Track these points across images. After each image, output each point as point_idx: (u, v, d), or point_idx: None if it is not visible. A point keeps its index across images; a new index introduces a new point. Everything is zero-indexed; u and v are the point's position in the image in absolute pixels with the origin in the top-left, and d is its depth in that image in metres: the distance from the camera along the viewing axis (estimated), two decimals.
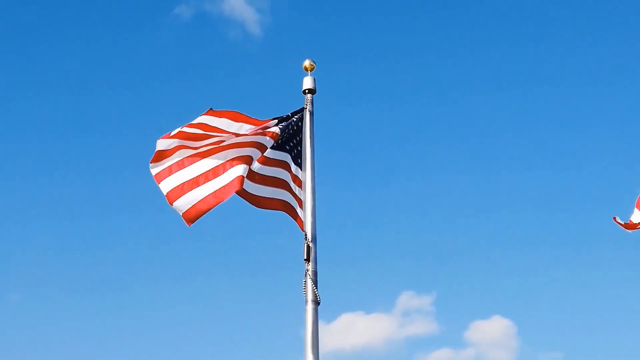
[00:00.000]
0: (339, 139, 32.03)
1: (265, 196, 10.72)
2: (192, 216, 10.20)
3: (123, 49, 35.50)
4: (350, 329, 31.77)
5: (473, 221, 34.20)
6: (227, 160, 10.27)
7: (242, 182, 10.13)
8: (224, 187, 10.22)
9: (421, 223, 34.28)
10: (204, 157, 10.40)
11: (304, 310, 10.06)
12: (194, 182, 10.26)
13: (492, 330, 32.38)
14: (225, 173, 10.22)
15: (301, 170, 10.98)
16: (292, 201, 10.76)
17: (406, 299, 32.85)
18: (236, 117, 10.75)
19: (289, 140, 11.00)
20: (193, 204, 10.16)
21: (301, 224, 10.61)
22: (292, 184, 10.86)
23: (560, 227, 34.04)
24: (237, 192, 10.27)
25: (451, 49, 37.03)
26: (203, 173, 10.31)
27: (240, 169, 10.10)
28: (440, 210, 34.69)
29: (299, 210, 10.71)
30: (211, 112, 10.63)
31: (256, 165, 10.65)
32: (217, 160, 10.36)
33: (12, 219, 32.39)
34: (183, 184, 10.25)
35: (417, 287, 32.89)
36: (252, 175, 10.49)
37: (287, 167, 10.92)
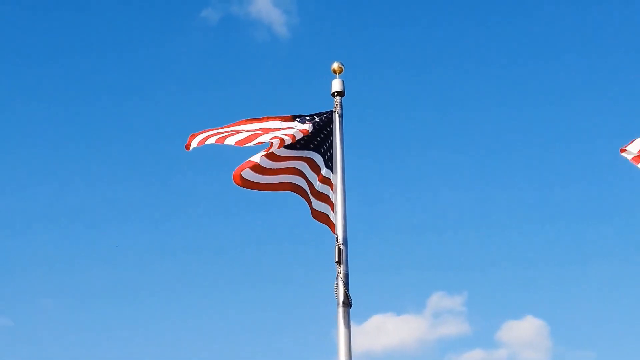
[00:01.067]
0: (368, 141, 31.99)
1: (277, 181, 10.81)
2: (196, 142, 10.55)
3: (150, 53, 35.72)
4: (381, 331, 31.73)
5: (503, 222, 34.04)
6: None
7: (253, 167, 10.43)
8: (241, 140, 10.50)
9: (451, 223, 34.18)
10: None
11: (336, 313, 10.08)
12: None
13: (525, 331, 32.19)
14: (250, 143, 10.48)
15: (332, 173, 11.02)
16: (306, 187, 10.84)
17: (437, 300, 32.74)
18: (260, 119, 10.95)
19: (323, 142, 11.04)
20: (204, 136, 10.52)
21: (333, 226, 10.63)
22: (316, 182, 10.91)
23: (591, 227, 33.80)
24: (255, 187, 10.55)
25: (480, 51, 36.89)
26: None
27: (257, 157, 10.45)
28: (469, 211, 34.56)
29: (331, 214, 10.73)
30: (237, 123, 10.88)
31: (315, 180, 10.89)
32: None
33: (43, 225, 32.71)
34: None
35: (448, 287, 32.77)
36: (272, 171, 10.69)
37: (313, 165, 10.98)
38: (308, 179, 10.85)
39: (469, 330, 31.58)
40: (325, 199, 10.85)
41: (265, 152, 10.51)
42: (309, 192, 10.79)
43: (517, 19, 37.10)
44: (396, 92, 35.88)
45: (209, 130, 10.74)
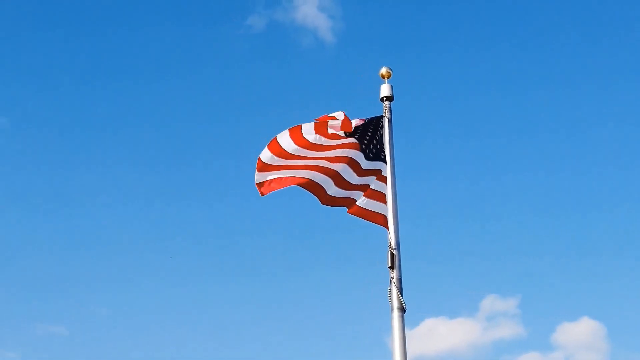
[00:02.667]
0: (418, 144, 31.90)
1: (369, 209, 10.84)
2: (266, 188, 10.54)
3: (197, 62, 36.05)
4: (434, 334, 31.58)
5: (559, 220, 33.68)
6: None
7: (323, 194, 10.47)
8: (306, 179, 10.57)
9: (504, 224, 33.92)
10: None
11: (390, 318, 10.07)
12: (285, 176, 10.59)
13: (581, 333, 31.78)
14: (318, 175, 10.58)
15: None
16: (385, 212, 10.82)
17: (490, 303, 32.50)
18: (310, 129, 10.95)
19: (382, 150, 11.03)
20: (272, 178, 10.51)
21: (386, 224, 10.64)
22: (373, 183, 10.89)
23: None
24: (333, 203, 10.68)
25: (527, 46, 36.58)
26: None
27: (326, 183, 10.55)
28: (523, 210, 34.26)
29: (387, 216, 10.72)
30: (289, 133, 10.88)
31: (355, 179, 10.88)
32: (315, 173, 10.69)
33: (100, 239, 33.17)
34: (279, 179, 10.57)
35: (502, 289, 32.51)
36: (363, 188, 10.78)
37: (378, 174, 10.97)
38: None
39: (524, 332, 31.30)
40: (382, 198, 10.84)
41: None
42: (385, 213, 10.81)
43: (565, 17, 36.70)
44: (445, 97, 35.73)
45: (272, 149, 10.73)
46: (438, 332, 31.67)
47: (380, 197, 10.82)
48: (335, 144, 10.85)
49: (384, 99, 11.46)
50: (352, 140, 10.90)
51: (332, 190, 10.81)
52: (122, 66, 35.74)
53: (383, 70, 11.61)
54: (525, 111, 35.52)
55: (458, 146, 35.57)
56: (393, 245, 10.43)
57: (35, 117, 34.71)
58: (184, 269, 31.75)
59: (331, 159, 10.80)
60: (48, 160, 34.18)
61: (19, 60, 35.17)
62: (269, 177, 10.62)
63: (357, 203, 10.89)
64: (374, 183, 10.91)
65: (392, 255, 10.34)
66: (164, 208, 33.62)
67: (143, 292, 31.41)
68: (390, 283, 10.22)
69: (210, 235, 33.13)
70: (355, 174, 10.90)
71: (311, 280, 31.69)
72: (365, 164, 10.95)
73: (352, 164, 10.87)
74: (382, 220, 10.69)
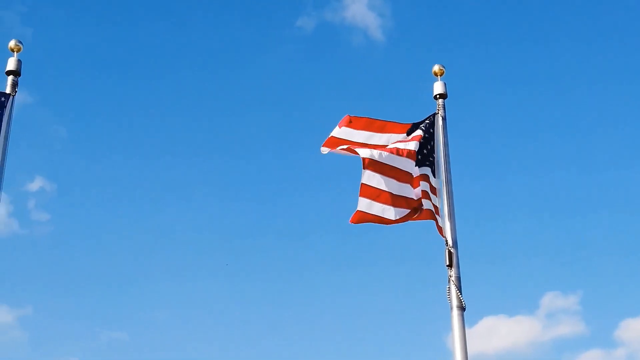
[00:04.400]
0: (472, 142, 31.64)
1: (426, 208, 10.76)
2: (358, 219, 10.47)
3: (248, 64, 36.28)
4: (493, 333, 31.28)
5: (619, 215, 33.11)
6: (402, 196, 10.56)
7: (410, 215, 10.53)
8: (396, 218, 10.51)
9: (563, 220, 33.47)
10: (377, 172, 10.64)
11: (450, 317, 10.02)
12: (385, 198, 10.47)
13: None
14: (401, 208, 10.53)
15: (434, 177, 10.97)
16: (433, 209, 10.76)
17: (550, 300, 32.08)
18: (372, 126, 10.98)
19: (429, 153, 10.98)
20: (368, 212, 10.43)
21: (439, 230, 10.59)
22: (431, 196, 10.82)
23: None
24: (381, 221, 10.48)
25: (584, 40, 36.06)
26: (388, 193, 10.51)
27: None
28: (583, 205, 33.77)
29: (438, 218, 10.69)
30: (349, 122, 10.92)
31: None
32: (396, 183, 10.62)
33: (159, 241, 33.53)
34: (379, 191, 10.43)
35: (562, 286, 32.05)
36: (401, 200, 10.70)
37: (428, 180, 10.91)
38: (431, 198, 10.80)
39: (585, 330, 30.82)
40: (436, 208, 10.79)
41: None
42: (434, 212, 10.75)
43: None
44: (499, 93, 35.40)
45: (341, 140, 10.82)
46: (497, 331, 31.38)
47: (424, 194, 10.76)
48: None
49: (437, 96, 11.42)
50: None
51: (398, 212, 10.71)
52: (174, 66, 36.09)
53: (436, 68, 11.57)
54: (583, 108, 35.03)
55: (514, 143, 35.20)
56: (450, 243, 10.39)
57: (93, 128, 35.24)
58: (244, 270, 31.96)
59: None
60: (108, 168, 34.69)
61: (78, 68, 35.77)
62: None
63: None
64: (422, 185, 10.86)
65: (450, 253, 10.30)
66: (229, 212, 33.86)
67: (202, 295, 31.69)
68: (449, 281, 10.16)
69: (274, 234, 33.26)
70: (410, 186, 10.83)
71: (370, 279, 31.64)
72: (417, 170, 10.91)
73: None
74: (428, 214, 10.65)
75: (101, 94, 34.89)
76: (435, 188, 10.89)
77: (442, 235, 10.53)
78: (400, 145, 10.71)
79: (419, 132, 10.95)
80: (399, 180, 10.49)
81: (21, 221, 31.97)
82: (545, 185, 34.33)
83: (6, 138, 10.39)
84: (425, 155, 10.92)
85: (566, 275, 32.21)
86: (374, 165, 10.36)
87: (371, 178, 10.34)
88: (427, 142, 11.02)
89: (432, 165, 10.98)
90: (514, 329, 31.54)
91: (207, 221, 33.22)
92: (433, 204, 10.73)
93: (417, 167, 10.73)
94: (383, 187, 10.38)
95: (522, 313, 32.41)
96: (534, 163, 34.78)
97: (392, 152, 10.55)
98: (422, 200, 10.62)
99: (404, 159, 10.60)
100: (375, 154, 10.42)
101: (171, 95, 35.48)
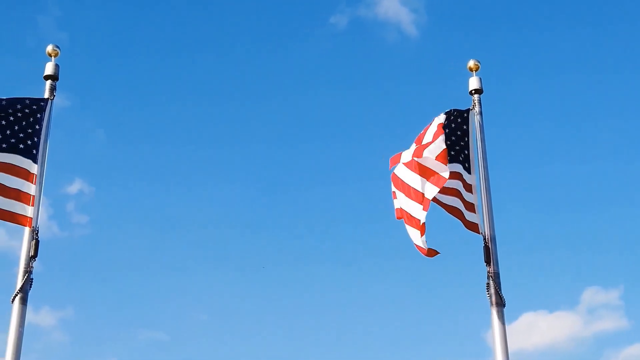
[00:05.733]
0: (508, 136, 31.39)
1: (450, 204, 10.66)
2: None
3: (283, 63, 36.33)
4: (533, 329, 31.02)
5: None
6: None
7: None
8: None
9: (604, 213, 33.08)
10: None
11: (490, 313, 9.95)
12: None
13: None
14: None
15: (469, 173, 10.89)
16: (464, 211, 10.68)
17: (591, 295, 31.74)
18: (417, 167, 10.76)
19: (461, 150, 10.90)
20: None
21: (473, 227, 10.53)
22: (463, 192, 10.78)
23: None
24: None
25: (623, 32, 35.64)
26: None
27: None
28: (623, 198, 33.35)
29: (468, 214, 10.62)
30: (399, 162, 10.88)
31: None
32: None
33: (197, 242, 33.74)
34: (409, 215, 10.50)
35: (603, 281, 31.68)
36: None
37: (460, 178, 10.80)
38: (461, 195, 10.73)
39: (627, 324, 30.45)
40: (457, 194, 10.71)
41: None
42: (462, 209, 10.68)
43: None
44: (534, 87, 35.09)
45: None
46: (537, 327, 31.13)
47: (454, 192, 10.69)
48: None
49: (473, 92, 11.35)
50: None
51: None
52: (210, 66, 36.26)
53: (471, 63, 11.50)
54: (623, 99, 34.59)
55: (551, 136, 34.89)
56: (488, 238, 10.32)
57: (130, 130, 35.54)
58: (283, 273, 32.05)
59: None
60: (145, 169, 34.97)
61: (115, 71, 36.10)
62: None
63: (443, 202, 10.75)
64: (449, 182, 10.78)
65: (487, 248, 10.22)
66: (274, 213, 33.94)
67: (240, 295, 31.82)
68: (488, 278, 10.10)
69: (322, 234, 33.27)
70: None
71: (410, 276, 31.56)
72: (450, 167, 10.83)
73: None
74: (458, 213, 10.58)
75: (138, 96, 35.18)
76: (470, 185, 10.81)
77: (479, 232, 10.47)
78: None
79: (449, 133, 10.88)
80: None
81: (61, 224, 32.31)
82: (583, 178, 34.00)
83: (46, 142, 10.51)
84: (457, 152, 10.85)
85: (607, 270, 31.86)
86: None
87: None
88: (460, 139, 10.94)
89: (465, 161, 10.90)
90: (554, 324, 31.27)
91: (249, 223, 33.36)
92: (467, 201, 10.65)
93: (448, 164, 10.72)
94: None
95: (563, 308, 32.12)
96: (570, 156, 34.45)
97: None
98: (448, 197, 10.58)
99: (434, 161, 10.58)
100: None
101: (208, 96, 35.66)
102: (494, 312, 9.93)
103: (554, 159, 34.11)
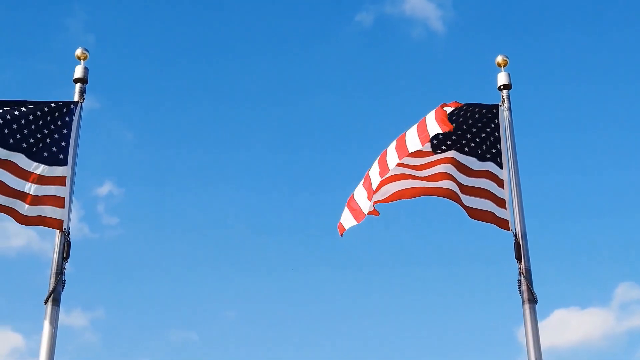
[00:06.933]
0: (538, 132, 31.16)
1: (475, 207, 10.64)
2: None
3: (309, 61, 36.35)
4: (565, 326, 30.79)
5: None
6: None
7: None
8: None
9: (636, 209, 32.79)
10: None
11: (522, 310, 9.88)
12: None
13: None
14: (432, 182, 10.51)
15: (500, 168, 10.83)
16: (495, 208, 10.64)
17: (624, 291, 31.45)
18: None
19: (492, 146, 10.85)
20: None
21: (504, 224, 10.47)
22: (495, 189, 10.72)
23: None
24: (454, 200, 10.49)
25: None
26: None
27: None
28: None
29: (498, 211, 10.57)
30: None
31: (464, 178, 10.71)
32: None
33: (227, 241, 33.87)
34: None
35: (636, 277, 31.39)
36: (462, 188, 10.60)
37: (490, 175, 10.75)
38: (492, 194, 10.63)
39: None
40: (487, 195, 10.64)
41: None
42: (492, 208, 10.59)
43: None
44: (564, 84, 34.82)
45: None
46: (570, 323, 30.90)
47: (481, 192, 10.62)
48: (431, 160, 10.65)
49: (502, 87, 11.30)
50: (449, 154, 10.65)
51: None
52: (237, 65, 36.36)
53: (499, 59, 11.44)
54: None
55: (580, 134, 34.60)
56: (519, 234, 10.27)
57: (160, 132, 35.73)
58: (311, 270, 32.10)
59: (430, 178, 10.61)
60: (174, 170, 35.15)
61: (143, 73, 36.31)
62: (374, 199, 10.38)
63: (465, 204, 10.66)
64: (477, 182, 10.71)
65: (518, 245, 10.16)
66: (301, 211, 33.98)
67: (270, 294, 31.90)
68: (519, 274, 10.04)
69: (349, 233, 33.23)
70: (465, 177, 10.70)
71: (441, 274, 31.47)
72: (478, 165, 10.76)
73: (461, 169, 10.67)
74: (490, 217, 10.51)
75: (166, 97, 35.35)
76: (502, 180, 10.75)
77: (508, 229, 10.41)
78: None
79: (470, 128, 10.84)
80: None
81: (91, 225, 32.56)
82: (615, 176, 33.71)
83: (76, 145, 10.59)
84: (488, 147, 10.80)
85: None
86: None
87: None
88: (491, 134, 10.89)
89: (497, 156, 10.86)
90: (586, 321, 31.02)
91: (278, 221, 33.41)
92: (498, 197, 10.58)
93: (479, 162, 10.70)
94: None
95: (595, 305, 31.83)
96: (601, 152, 34.15)
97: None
98: (473, 198, 10.53)
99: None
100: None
101: (238, 98, 35.75)
102: (526, 309, 9.86)
103: (584, 155, 33.82)
